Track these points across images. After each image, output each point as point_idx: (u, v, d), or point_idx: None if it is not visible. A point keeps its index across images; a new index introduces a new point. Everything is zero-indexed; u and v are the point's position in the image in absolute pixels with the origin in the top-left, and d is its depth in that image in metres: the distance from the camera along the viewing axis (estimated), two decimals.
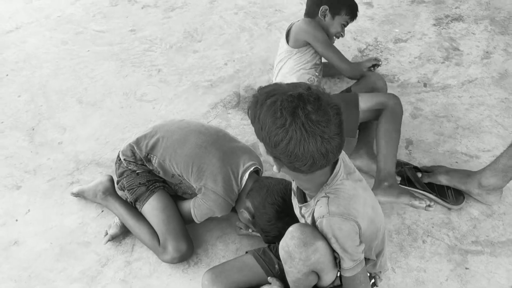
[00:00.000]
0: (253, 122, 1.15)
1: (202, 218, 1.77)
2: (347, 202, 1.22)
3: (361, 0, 3.04)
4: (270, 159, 1.19)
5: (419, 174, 1.95)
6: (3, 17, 3.07)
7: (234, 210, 1.81)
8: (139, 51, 2.78)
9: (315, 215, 1.26)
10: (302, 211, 1.38)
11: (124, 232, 1.85)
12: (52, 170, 2.13)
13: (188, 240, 1.76)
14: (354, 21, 2.15)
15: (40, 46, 2.84)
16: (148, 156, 1.79)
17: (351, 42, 2.75)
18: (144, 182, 1.81)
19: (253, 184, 1.71)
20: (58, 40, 2.88)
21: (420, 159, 2.10)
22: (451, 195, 1.91)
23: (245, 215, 1.71)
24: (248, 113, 1.17)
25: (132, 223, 1.81)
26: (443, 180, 1.91)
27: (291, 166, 1.14)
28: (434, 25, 2.85)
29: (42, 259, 1.82)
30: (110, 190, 1.91)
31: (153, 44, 2.82)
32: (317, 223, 1.25)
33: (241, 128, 2.29)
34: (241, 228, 1.83)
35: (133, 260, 1.80)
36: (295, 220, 1.45)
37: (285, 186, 1.64)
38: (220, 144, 1.75)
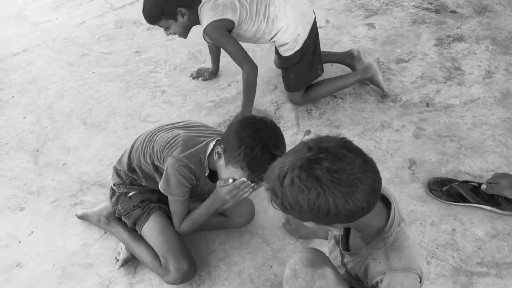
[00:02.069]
0: (286, 211, 1.06)
1: (162, 186, 1.67)
2: (408, 254, 1.14)
3: (363, 21, 3.08)
4: (325, 227, 1.12)
5: (484, 186, 1.91)
6: (10, 40, 3.12)
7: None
8: (144, 72, 2.81)
9: (373, 271, 1.16)
10: (345, 259, 1.28)
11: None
12: (55, 192, 2.14)
13: (190, 259, 1.75)
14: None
15: (46, 68, 2.88)
16: (131, 167, 1.81)
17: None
18: (138, 204, 1.81)
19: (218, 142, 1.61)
20: (63, 62, 2.92)
21: (424, 180, 2.09)
22: (503, 202, 1.89)
23: (224, 172, 1.57)
24: (273, 205, 1.09)
25: (134, 246, 1.81)
26: (506, 193, 1.87)
27: (351, 219, 1.05)
28: (436, 45, 2.88)
29: (44, 281, 1.82)
30: (113, 216, 1.91)
31: (158, 66, 2.85)
32: (376, 279, 1.15)
33: None
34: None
35: (136, 282, 1.79)
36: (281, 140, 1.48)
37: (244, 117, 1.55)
38: (188, 129, 1.73)
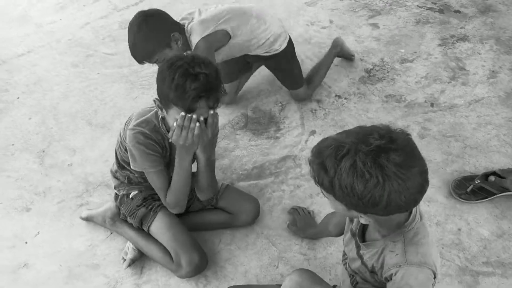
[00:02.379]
0: (328, 189, 1.04)
1: (131, 164, 1.67)
2: (426, 249, 1.15)
3: (367, 21, 3.08)
4: (355, 214, 1.10)
5: (492, 178, 1.94)
6: (14, 41, 3.13)
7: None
8: (148, 73, 2.81)
9: (389, 262, 1.17)
10: (361, 251, 1.27)
11: (142, 254, 1.86)
12: (61, 192, 2.15)
13: (200, 251, 1.77)
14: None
15: (51, 69, 2.88)
16: (120, 164, 1.82)
17: (358, 63, 2.77)
18: (141, 203, 1.82)
19: None
20: (68, 63, 2.93)
21: (429, 179, 2.09)
22: None
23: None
24: (316, 182, 1.06)
25: (143, 244, 1.82)
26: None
27: (391, 213, 1.04)
28: (440, 45, 2.87)
29: (50, 282, 1.83)
30: (118, 216, 1.92)
31: None
32: (391, 271, 1.16)
33: (249, 149, 2.30)
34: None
35: (142, 282, 1.80)
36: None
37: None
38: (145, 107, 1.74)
